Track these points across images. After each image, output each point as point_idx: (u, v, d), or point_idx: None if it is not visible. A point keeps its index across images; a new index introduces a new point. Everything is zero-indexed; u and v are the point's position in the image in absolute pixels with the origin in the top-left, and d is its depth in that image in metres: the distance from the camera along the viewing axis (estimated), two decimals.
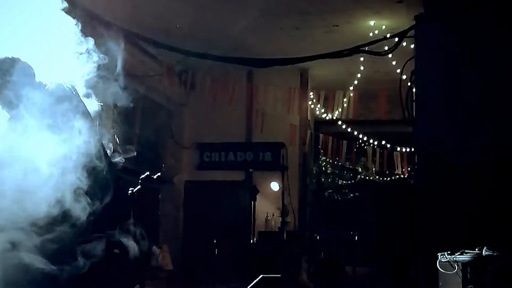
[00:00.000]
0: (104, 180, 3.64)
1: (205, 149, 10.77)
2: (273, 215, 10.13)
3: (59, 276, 3.28)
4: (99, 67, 3.91)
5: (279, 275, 7.15)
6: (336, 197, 11.58)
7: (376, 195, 11.61)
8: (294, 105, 9.56)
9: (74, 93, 3.93)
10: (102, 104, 4.30)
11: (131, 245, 3.79)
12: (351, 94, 9.64)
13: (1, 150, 3.44)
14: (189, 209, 10.53)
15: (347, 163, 11.37)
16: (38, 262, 3.26)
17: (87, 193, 3.41)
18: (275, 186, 10.25)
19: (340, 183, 11.60)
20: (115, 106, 4.40)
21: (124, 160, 4.01)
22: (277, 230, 9.75)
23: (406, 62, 6.99)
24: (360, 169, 11.72)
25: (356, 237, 9.82)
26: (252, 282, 6.96)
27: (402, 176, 11.18)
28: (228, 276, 8.63)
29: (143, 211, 4.52)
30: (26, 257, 3.27)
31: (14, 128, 3.51)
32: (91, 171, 3.51)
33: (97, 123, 4.04)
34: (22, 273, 3.31)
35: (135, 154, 4.02)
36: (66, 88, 3.88)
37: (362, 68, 9.45)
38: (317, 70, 10.19)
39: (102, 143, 3.83)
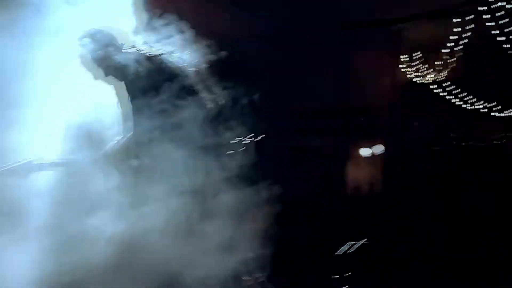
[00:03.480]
0: None
1: (294, 113, 10.64)
2: (362, 181, 9.99)
3: None
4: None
5: (368, 241, 7.12)
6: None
7: (471, 160, 11.28)
8: (385, 68, 9.40)
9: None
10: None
11: None
12: (448, 57, 9.36)
13: None
14: (278, 174, 10.47)
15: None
16: None
17: None
18: (365, 152, 10.13)
19: (433, 149, 11.35)
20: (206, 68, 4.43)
21: None
22: (366, 196, 9.65)
23: None
24: (453, 134, 11.41)
25: None
26: (340, 248, 6.94)
27: (498, 142, 10.83)
28: (316, 242, 8.59)
29: None
30: None
31: None
32: None
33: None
34: None
35: None
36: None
37: (460, 29, 9.10)
38: (412, 31, 9.88)
39: None
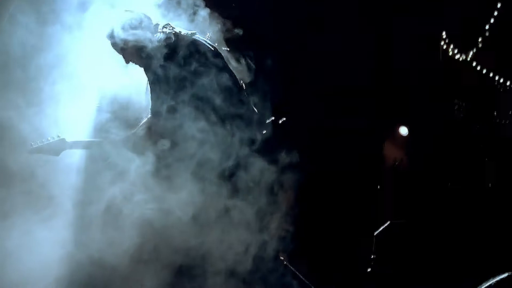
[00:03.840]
0: None
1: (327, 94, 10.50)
2: (401, 160, 9.88)
3: None
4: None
5: (406, 221, 7.08)
6: None
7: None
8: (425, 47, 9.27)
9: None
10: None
11: None
12: (487, 34, 9.18)
13: None
14: (313, 156, 10.39)
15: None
16: None
17: None
18: (403, 130, 10.02)
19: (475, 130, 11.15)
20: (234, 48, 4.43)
21: None
22: (405, 175, 9.54)
23: None
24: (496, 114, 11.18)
25: None
26: (379, 228, 6.92)
27: None
28: (354, 223, 8.55)
29: None
30: None
31: None
32: None
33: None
34: None
35: None
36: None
37: (499, 5, 8.90)
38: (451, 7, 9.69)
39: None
